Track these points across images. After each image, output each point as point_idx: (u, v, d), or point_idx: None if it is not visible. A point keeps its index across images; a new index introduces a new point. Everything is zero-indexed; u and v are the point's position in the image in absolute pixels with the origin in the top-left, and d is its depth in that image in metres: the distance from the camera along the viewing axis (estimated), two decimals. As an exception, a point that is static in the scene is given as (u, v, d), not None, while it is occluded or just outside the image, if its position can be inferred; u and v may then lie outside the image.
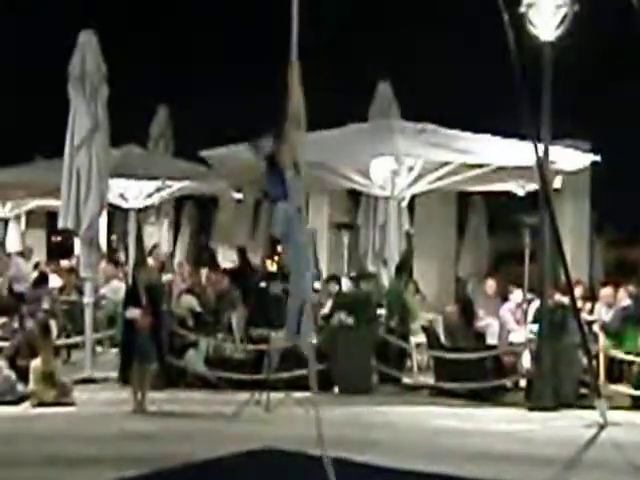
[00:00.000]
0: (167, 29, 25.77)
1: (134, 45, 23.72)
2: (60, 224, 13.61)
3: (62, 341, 13.43)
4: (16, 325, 13.11)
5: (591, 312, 14.87)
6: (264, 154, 7.91)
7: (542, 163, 11.54)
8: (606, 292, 14.31)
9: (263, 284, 14.77)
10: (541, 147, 11.58)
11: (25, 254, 18.62)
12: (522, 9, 11.69)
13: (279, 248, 28.22)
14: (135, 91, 21.54)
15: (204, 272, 16.53)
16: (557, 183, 14.39)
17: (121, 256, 19.05)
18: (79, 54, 13.46)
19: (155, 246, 17.85)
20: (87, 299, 13.71)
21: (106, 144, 13.70)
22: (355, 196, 17.80)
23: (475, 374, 12.62)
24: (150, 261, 15.68)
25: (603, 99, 23.47)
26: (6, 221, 20.68)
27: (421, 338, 14.13)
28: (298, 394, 11.75)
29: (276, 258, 29.98)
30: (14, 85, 23.75)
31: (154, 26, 25.69)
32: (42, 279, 16.33)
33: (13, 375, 11.68)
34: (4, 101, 23.66)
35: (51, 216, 21.55)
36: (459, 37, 21.97)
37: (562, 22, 11.63)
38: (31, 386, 11.53)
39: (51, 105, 16.08)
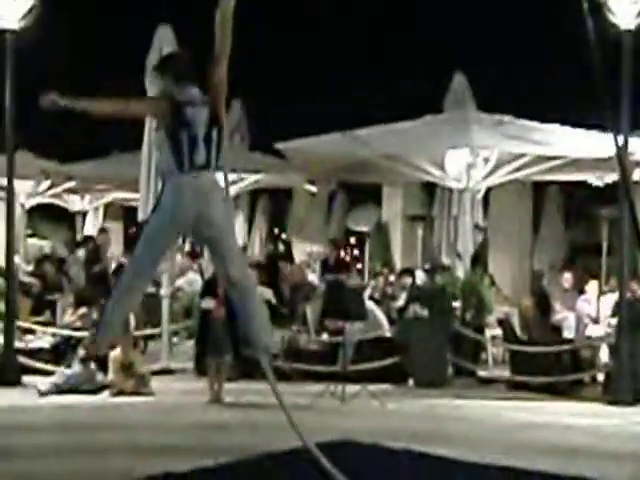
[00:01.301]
0: (242, 24, 25.92)
1: (208, 38, 23.88)
2: (140, 217, 13.79)
3: (140, 332, 13.59)
4: (96, 316, 13.32)
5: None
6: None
7: (622, 154, 11.35)
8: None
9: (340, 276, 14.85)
10: (620, 138, 11.40)
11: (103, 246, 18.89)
12: (601, -2, 11.53)
13: (352, 240, 28.33)
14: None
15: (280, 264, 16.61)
16: (637, 175, 14.15)
17: (196, 249, 19.22)
18: (156, 48, 13.62)
19: None
20: (164, 291, 13.90)
21: (182, 137, 13.83)
22: (429, 188, 17.73)
23: (551, 368, 12.50)
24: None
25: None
26: (84, 214, 21.02)
27: (496, 331, 14.04)
28: (373, 386, 11.78)
29: (349, 251, 30.05)
30: (93, 79, 24.08)
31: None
32: (120, 271, 16.52)
33: (93, 365, 11.90)
34: (82, 95, 24.02)
35: (128, 209, 21.87)
36: (536, 27, 21.73)
37: (643, 10, 11.43)
38: (110, 376, 11.73)
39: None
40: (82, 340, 12.46)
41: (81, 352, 12.00)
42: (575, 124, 13.85)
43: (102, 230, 17.94)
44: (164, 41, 13.62)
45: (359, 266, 22.46)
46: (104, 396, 11.62)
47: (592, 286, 14.66)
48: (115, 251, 20.00)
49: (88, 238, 17.67)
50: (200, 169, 6.13)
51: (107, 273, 15.27)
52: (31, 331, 13.59)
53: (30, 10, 12.15)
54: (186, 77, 6.30)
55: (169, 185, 6.08)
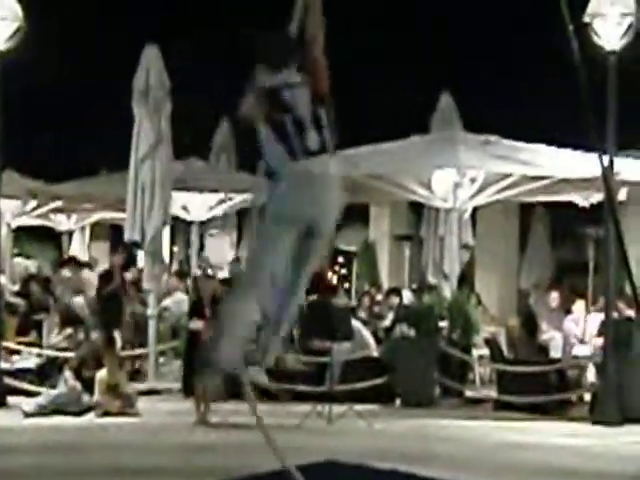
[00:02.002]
0: (229, 42, 25.99)
1: (195, 57, 23.94)
2: (126, 237, 13.82)
3: (126, 352, 13.54)
4: (81, 336, 13.28)
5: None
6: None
7: (607, 174, 11.40)
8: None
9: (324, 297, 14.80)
10: (606, 158, 11.44)
11: (91, 265, 18.86)
12: (586, 19, 11.60)
13: (339, 259, 28.33)
14: (198, 104, 21.74)
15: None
16: (622, 195, 14.21)
17: (184, 268, 19.20)
18: (143, 69, 13.67)
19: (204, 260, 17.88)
20: (150, 311, 13.88)
21: (169, 157, 13.87)
22: (416, 208, 17.76)
23: (538, 387, 12.49)
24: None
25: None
26: (71, 233, 20.97)
27: (483, 351, 14.04)
28: (360, 407, 11.75)
29: (337, 270, 30.03)
30: (79, 99, 24.12)
31: (217, 39, 25.92)
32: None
33: (79, 386, 11.84)
34: (69, 116, 24.06)
35: (115, 228, 21.83)
36: (523, 46, 21.84)
37: (627, 31, 11.52)
38: (96, 397, 11.67)
39: (115, 119, 16.31)
40: (68, 360, 12.41)
41: (67, 373, 11.95)
42: (561, 144, 13.92)
43: (115, 250, 17.83)
44: (151, 61, 13.66)
45: (347, 285, 22.45)
46: (90, 417, 11.56)
47: (579, 305, 14.69)
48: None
49: (72, 258, 17.62)
50: (314, 154, 5.43)
51: (120, 293, 15.17)
52: (17, 351, 13.52)
53: (16, 31, 12.14)
54: (280, 63, 5.51)
55: (284, 176, 5.37)
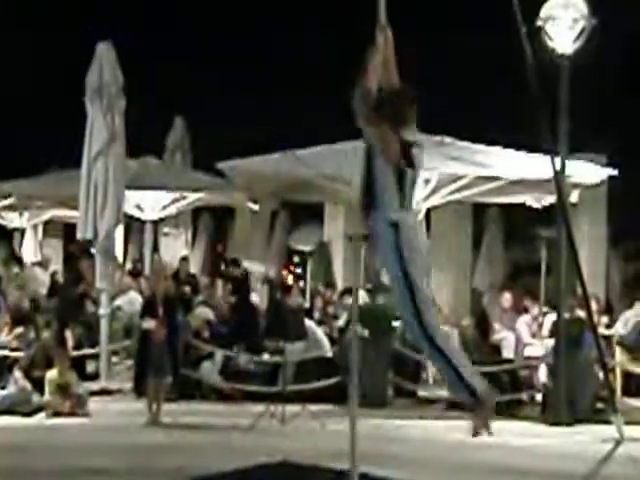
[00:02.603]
0: (186, 40, 25.87)
1: (151, 55, 23.81)
2: (78, 235, 13.69)
3: (77, 352, 13.41)
4: (32, 335, 13.13)
5: (608, 326, 14.82)
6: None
7: (559, 177, 11.50)
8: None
9: (279, 295, 14.81)
10: (558, 161, 11.55)
11: (43, 264, 18.67)
12: (539, 22, 11.69)
13: (295, 259, 28.32)
14: (152, 102, 21.62)
15: (220, 283, 16.53)
16: (574, 197, 14.34)
17: (137, 267, 19.06)
18: (96, 66, 13.55)
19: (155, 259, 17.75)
20: (103, 310, 13.76)
21: (123, 155, 13.77)
22: (371, 208, 17.76)
23: (491, 388, 12.53)
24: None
25: (620, 113, 23.40)
26: (23, 231, 20.75)
27: (437, 351, 14.08)
28: (314, 407, 11.75)
29: (292, 269, 30.03)
30: (31, 96, 23.87)
31: (173, 37, 25.79)
32: (55, 289, 16.35)
33: (28, 386, 11.71)
34: (21, 112, 23.79)
35: (68, 226, 21.63)
36: (477, 48, 21.95)
37: (579, 35, 11.62)
38: (46, 397, 11.55)
39: (68, 116, 16.16)
40: (18, 360, 12.26)
41: (17, 373, 11.81)
42: (514, 146, 14.01)
43: (85, 254, 17.69)
44: (104, 58, 13.54)
45: (301, 285, 22.44)
46: (40, 418, 11.43)
47: (531, 306, 14.80)
48: (55, 268, 19.78)
49: (19, 258, 17.47)
50: (410, 209, 6.04)
51: (88, 294, 15.03)
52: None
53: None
54: (408, 118, 5.99)
55: (399, 222, 5.86)
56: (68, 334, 13.30)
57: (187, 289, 16.01)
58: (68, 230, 22.03)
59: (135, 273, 17.94)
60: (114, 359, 14.47)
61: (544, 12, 11.72)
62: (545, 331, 13.89)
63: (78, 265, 15.32)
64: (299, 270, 28.74)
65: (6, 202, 17.99)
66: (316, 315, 15.47)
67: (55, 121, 23.00)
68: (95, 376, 13.58)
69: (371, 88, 5.91)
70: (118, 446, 9.78)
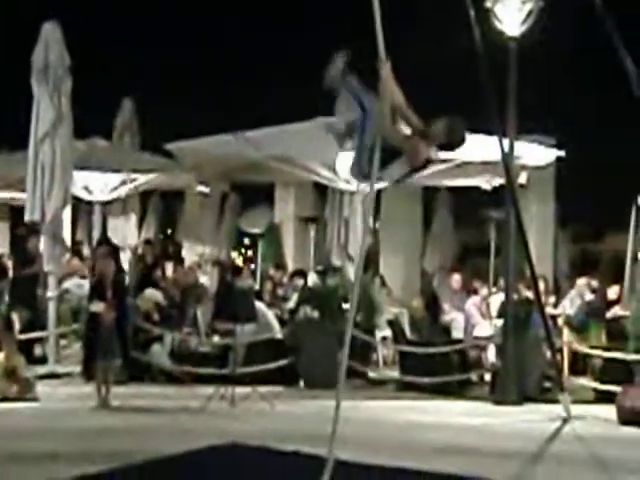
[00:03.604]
0: (134, 19, 25.62)
1: (99, 36, 23.56)
2: (26, 217, 13.52)
3: (25, 335, 13.25)
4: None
5: (555, 306, 14.99)
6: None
7: (507, 158, 11.58)
8: (581, 282, 14.50)
9: (229, 278, 14.76)
10: (506, 142, 11.62)
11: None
12: (488, 4, 11.73)
13: (245, 241, 28.25)
14: (100, 83, 21.39)
15: (169, 265, 16.44)
16: (522, 178, 14.46)
17: (85, 250, 18.88)
18: (42, 45, 13.35)
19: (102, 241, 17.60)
20: (50, 293, 13.62)
21: (70, 136, 13.61)
22: (321, 190, 17.78)
23: (441, 368, 12.67)
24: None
25: (568, 94, 23.60)
26: (-32, 214, 20.46)
27: (387, 332, 14.17)
28: (263, 389, 11.75)
29: (243, 252, 29.94)
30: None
31: (121, 16, 25.52)
32: (2, 272, 16.16)
33: (-25, 370, 11.56)
34: None
35: (14, 209, 21.33)
36: (424, 31, 21.99)
37: (527, 17, 11.68)
38: (-7, 381, 11.40)
39: (13, 97, 15.92)
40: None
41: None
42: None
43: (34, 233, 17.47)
44: (50, 38, 13.35)
45: (252, 267, 22.39)
46: (-13, 402, 11.30)
47: (480, 287, 14.92)
48: (1, 250, 19.53)
49: None
50: None
51: (38, 275, 14.83)
52: None
53: None
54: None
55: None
56: (15, 317, 13.14)
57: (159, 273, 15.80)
58: (14, 212, 21.74)
59: (80, 255, 17.77)
60: (62, 342, 14.34)
61: (492, -6, 11.76)
62: (493, 311, 14.02)
63: (26, 247, 15.11)
64: (250, 252, 28.68)
65: (-50, 184, 17.69)
66: (266, 297, 15.46)
67: (2, 102, 22.67)
68: (43, 360, 13.46)
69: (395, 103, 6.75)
70: (67, 430, 9.70)
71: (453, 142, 6.72)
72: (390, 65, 6.83)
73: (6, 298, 14.64)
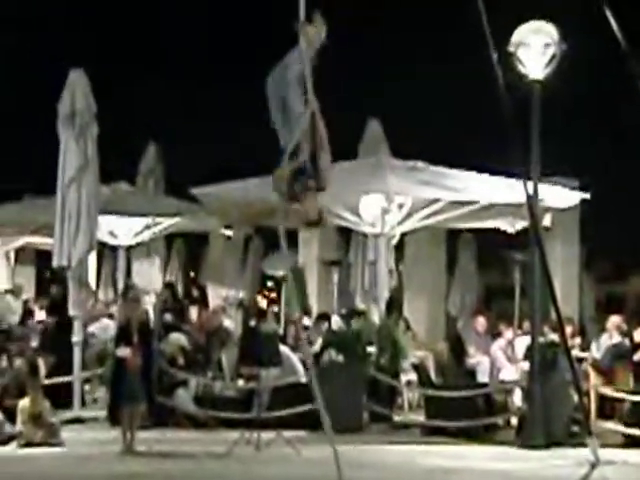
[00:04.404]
0: (159, 67, 25.88)
1: (124, 83, 23.80)
2: (54, 263, 13.60)
3: (50, 380, 13.27)
4: (4, 364, 13.00)
5: (582, 349, 14.88)
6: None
7: (532, 201, 11.57)
8: (612, 323, 14.37)
9: (253, 322, 14.76)
10: (530, 185, 11.62)
11: (15, 292, 18.49)
12: (511, 48, 11.79)
13: (268, 284, 28.27)
14: (125, 128, 21.58)
15: (193, 309, 16.47)
16: (547, 221, 14.43)
17: (110, 294, 18.97)
18: (69, 92, 13.52)
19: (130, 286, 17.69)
20: (76, 337, 13.66)
21: (96, 182, 13.72)
22: (345, 233, 17.80)
23: (466, 412, 12.56)
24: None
25: (592, 136, 23.61)
26: (-5, 258, 20.59)
27: (412, 376, 14.09)
28: (289, 433, 11.69)
29: (266, 294, 29.97)
30: (3, 123, 23.77)
31: (145, 64, 25.80)
32: (29, 316, 16.24)
33: (0, 415, 11.57)
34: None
35: (40, 253, 21.47)
36: (448, 74, 22.10)
37: (551, 61, 11.73)
38: (18, 426, 11.41)
39: (40, 143, 16.09)
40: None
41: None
42: (487, 171, 14.09)
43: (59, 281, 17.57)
44: (77, 85, 13.52)
45: (275, 309, 22.39)
46: (12, 447, 11.30)
47: (506, 330, 14.83)
48: (27, 295, 19.64)
49: None
50: None
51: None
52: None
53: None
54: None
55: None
56: (41, 362, 13.17)
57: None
58: (41, 257, 21.89)
59: (105, 300, 17.85)
60: (87, 387, 14.35)
61: (515, 38, 11.82)
62: (519, 354, 13.92)
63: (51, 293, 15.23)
64: (273, 295, 28.68)
65: (-22, 229, 17.86)
66: (290, 341, 15.42)
67: (27, 148, 22.91)
68: (69, 404, 13.46)
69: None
70: (92, 475, 9.69)
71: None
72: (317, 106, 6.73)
73: (33, 343, 14.69)
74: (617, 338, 14.35)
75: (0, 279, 20.56)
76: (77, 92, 13.47)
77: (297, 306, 18.75)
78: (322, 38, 6.80)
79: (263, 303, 27.25)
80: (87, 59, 14.36)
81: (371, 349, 13.73)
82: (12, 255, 21.30)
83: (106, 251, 19.67)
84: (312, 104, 6.69)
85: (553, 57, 11.70)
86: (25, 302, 18.29)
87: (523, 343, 13.77)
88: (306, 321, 16.97)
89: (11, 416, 11.50)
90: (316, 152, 6.73)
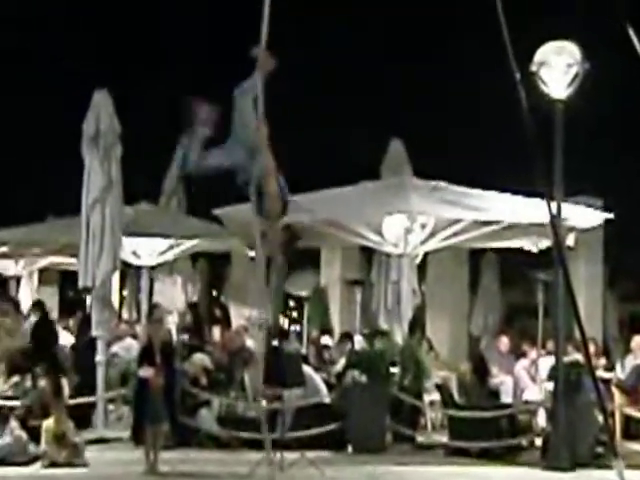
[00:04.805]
0: (179, 86, 26.02)
1: (147, 103, 23.94)
2: (80, 283, 13.65)
3: (74, 400, 13.30)
4: (28, 384, 13.04)
5: (607, 369, 14.79)
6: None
7: (556, 220, 11.53)
8: (639, 340, 14.29)
9: (276, 342, 14.74)
10: (554, 204, 11.58)
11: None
12: (533, 67, 11.79)
13: (290, 303, 28.28)
14: (146, 148, 21.70)
15: (216, 329, 16.48)
16: (570, 240, 14.38)
17: (133, 314, 19.02)
18: (93, 113, 13.61)
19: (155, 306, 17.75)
20: (99, 357, 13.69)
21: (120, 202, 13.79)
22: (367, 252, 17.80)
23: (490, 433, 12.50)
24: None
25: (615, 155, 23.54)
26: (18, 278, 20.69)
27: (435, 396, 14.03)
28: (312, 453, 11.66)
29: (288, 313, 29.97)
30: (27, 143, 23.96)
31: (166, 82, 25.96)
32: (54, 338, 16.25)
33: (25, 435, 11.60)
34: (17, 160, 23.85)
35: (63, 273, 21.59)
36: (470, 94, 22.13)
37: (573, 80, 11.71)
38: (42, 446, 11.43)
39: (63, 164, 16.19)
40: (14, 409, 12.17)
41: (13, 422, 11.71)
42: (510, 190, 14.08)
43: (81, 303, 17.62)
44: (101, 106, 13.61)
45: (298, 329, 22.39)
46: (36, 468, 11.31)
47: (529, 350, 14.76)
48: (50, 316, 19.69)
49: (17, 305, 17.36)
50: None
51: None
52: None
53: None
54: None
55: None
56: (64, 382, 13.21)
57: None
58: (64, 277, 22.01)
59: (128, 319, 17.88)
60: (111, 407, 14.37)
61: (538, 57, 11.82)
62: (543, 374, 13.85)
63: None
64: (294, 314, 28.68)
65: (2, 250, 17.96)
66: (312, 360, 15.40)
67: (51, 169, 23.06)
68: (92, 424, 13.49)
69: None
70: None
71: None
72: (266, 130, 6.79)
73: (58, 363, 14.72)
74: (641, 358, 14.26)
75: (24, 299, 20.66)
76: (101, 113, 13.56)
77: (319, 325, 18.81)
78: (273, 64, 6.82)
79: (284, 322, 27.25)
80: (111, 78, 14.46)
81: (394, 369, 13.68)
82: (36, 275, 21.41)
83: (129, 271, 19.73)
84: (262, 130, 6.76)
85: (576, 76, 11.69)
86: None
87: (547, 363, 13.70)
88: (328, 341, 16.97)
89: (35, 436, 11.53)
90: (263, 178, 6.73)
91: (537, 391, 13.74)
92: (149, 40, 25.56)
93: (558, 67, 11.70)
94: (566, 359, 12.36)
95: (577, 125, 11.98)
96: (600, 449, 12.06)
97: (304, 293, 20.72)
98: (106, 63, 23.39)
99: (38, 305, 16.53)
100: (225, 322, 18.27)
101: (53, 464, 11.26)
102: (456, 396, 13.64)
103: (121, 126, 13.76)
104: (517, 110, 10.63)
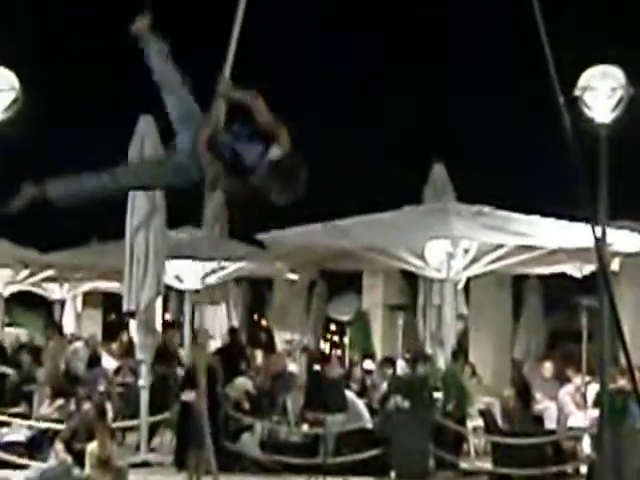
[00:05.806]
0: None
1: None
2: (124, 307, 13.74)
3: (118, 424, 13.38)
4: (72, 408, 13.13)
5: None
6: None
7: (600, 245, 11.44)
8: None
9: (318, 367, 14.75)
10: (598, 229, 11.49)
11: (89, 343, 18.46)
12: (577, 92, 11.74)
13: (332, 327, 28.27)
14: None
15: (259, 353, 16.51)
16: (615, 265, 14.26)
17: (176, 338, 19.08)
18: (138, 138, 13.73)
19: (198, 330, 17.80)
20: (142, 381, 13.75)
21: (163, 227, 13.89)
22: (409, 277, 17.76)
23: (534, 459, 12.39)
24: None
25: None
26: (63, 302, 20.89)
27: (478, 422, 13.93)
28: (354, 479, 11.63)
29: (329, 338, 29.92)
30: (70, 168, 24.19)
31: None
32: (96, 360, 16.39)
33: (69, 459, 11.66)
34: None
35: (107, 297, 21.78)
36: (514, 120, 22.09)
37: (618, 104, 11.66)
38: (87, 470, 11.47)
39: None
40: (59, 432, 12.25)
41: (58, 445, 11.78)
42: (554, 215, 14.00)
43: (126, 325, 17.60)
44: (146, 131, 13.74)
45: (339, 353, 22.36)
46: (81, 491, 11.38)
47: (574, 375, 14.62)
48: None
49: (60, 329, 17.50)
50: None
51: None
52: (6, 423, 13.35)
53: (14, 101, 12.23)
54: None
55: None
56: (108, 406, 13.29)
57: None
58: (107, 301, 22.19)
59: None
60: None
61: (582, 82, 11.78)
62: (589, 401, 13.70)
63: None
64: (336, 338, 28.65)
65: (46, 273, 18.16)
66: (354, 386, 15.35)
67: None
68: (136, 448, 13.54)
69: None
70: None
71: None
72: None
73: (100, 387, 14.83)
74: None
75: (68, 323, 20.86)
76: (146, 138, 13.68)
77: (360, 350, 18.77)
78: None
79: (326, 347, 27.23)
80: (157, 103, 14.58)
81: (437, 394, 13.61)
82: (79, 299, 21.61)
83: (172, 295, 19.86)
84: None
85: (620, 100, 11.63)
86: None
87: (592, 390, 13.56)
88: (370, 365, 16.92)
89: (80, 460, 11.59)
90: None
91: (582, 418, 13.59)
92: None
93: (602, 91, 11.64)
94: (612, 385, 12.23)
95: (622, 149, 11.89)
96: (646, 477, 11.90)
97: (346, 318, 20.72)
98: (150, 88, 23.59)
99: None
100: (269, 346, 18.30)
101: (97, 487, 11.30)
102: (500, 422, 13.53)
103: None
104: (561, 134, 10.61)
